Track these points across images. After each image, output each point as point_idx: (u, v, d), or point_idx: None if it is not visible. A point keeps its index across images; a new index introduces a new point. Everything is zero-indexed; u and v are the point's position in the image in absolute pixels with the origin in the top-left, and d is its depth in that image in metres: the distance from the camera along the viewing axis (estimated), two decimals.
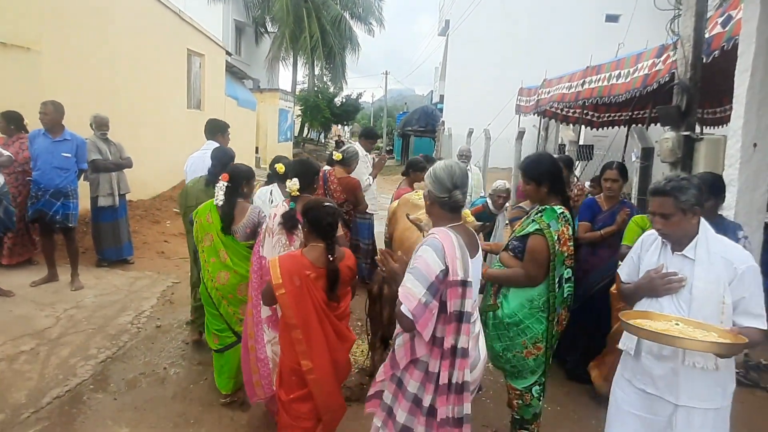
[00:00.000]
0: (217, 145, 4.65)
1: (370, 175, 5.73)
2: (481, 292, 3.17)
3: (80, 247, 5.94)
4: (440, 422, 2.07)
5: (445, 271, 1.98)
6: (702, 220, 2.16)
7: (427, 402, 2.08)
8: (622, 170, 4.08)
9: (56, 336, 4.30)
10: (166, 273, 6.19)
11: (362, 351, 4.36)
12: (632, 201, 5.31)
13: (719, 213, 3.12)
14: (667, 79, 5.24)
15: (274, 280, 2.42)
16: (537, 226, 2.57)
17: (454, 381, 2.05)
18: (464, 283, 2.01)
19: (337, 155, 5.02)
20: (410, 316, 1.95)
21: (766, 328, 2.03)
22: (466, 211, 3.27)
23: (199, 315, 4.07)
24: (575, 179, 4.44)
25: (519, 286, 2.66)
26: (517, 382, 2.77)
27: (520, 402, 2.77)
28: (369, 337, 3.96)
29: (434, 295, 1.99)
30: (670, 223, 2.15)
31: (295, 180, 3.01)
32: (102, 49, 7.77)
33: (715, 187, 2.86)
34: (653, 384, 2.17)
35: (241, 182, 3.31)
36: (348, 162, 4.97)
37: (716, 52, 4.60)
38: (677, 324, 2.04)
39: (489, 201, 5.33)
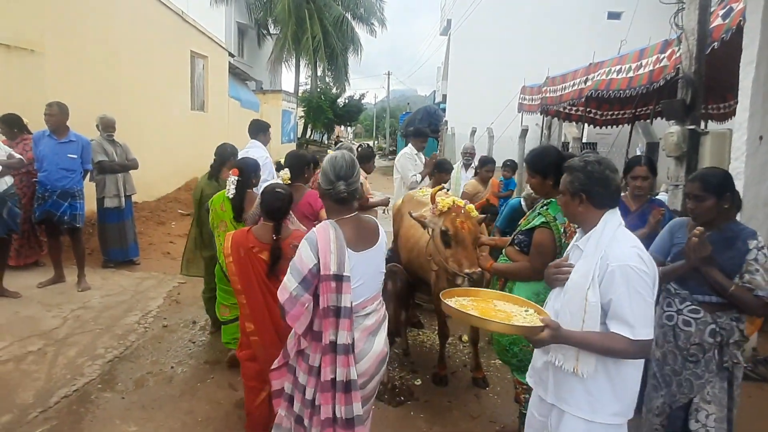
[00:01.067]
0: (260, 144, 5.45)
1: (419, 173, 5.56)
2: (486, 286, 3.18)
3: (86, 249, 5.96)
4: (324, 421, 2.03)
5: (318, 266, 1.99)
6: (611, 212, 1.89)
7: (309, 395, 2.08)
8: (652, 166, 3.59)
9: (63, 336, 4.32)
10: (172, 273, 6.21)
11: None
12: None
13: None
14: (674, 74, 5.21)
15: (225, 250, 2.84)
16: (543, 219, 2.56)
17: (339, 379, 2.01)
18: (338, 278, 2.00)
19: None
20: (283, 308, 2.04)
21: (633, 337, 1.73)
22: (470, 206, 3.26)
23: (210, 306, 4.30)
24: None
25: (525, 279, 2.65)
26: (524, 377, 2.75)
27: (528, 396, 2.76)
28: None
29: (306, 289, 2.01)
30: (560, 201, 2.03)
31: (286, 170, 3.45)
32: (105, 51, 7.80)
33: (720, 187, 2.39)
34: (537, 376, 2.05)
35: (249, 175, 3.63)
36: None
37: (716, 44, 4.59)
38: (507, 304, 2.00)
39: (523, 202, 4.73)
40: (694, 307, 2.45)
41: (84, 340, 4.27)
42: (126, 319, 4.78)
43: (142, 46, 8.87)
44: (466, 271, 3.02)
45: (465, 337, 4.51)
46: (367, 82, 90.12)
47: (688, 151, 4.60)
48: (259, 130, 5.59)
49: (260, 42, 27.29)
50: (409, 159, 5.79)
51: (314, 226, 2.99)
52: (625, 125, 9.29)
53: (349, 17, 27.06)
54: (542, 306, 2.03)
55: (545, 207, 2.62)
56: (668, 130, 4.77)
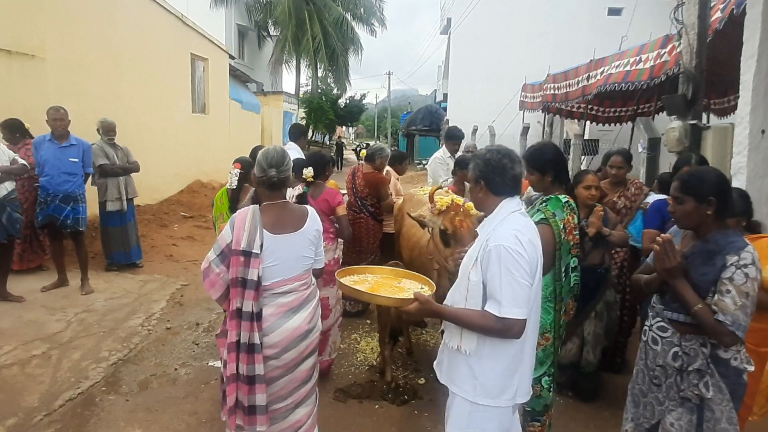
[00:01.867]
0: (296, 147, 5.85)
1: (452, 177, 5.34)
2: None
3: (89, 252, 5.98)
4: (229, 377, 2.29)
5: (232, 242, 2.26)
6: (508, 200, 1.96)
7: (223, 355, 2.35)
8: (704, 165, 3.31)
9: (67, 340, 4.33)
10: (175, 276, 6.22)
11: (372, 348, 4.36)
12: None
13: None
14: (676, 69, 5.20)
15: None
16: (542, 216, 2.55)
17: (242, 341, 2.24)
18: (246, 254, 2.24)
19: (362, 152, 5.14)
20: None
21: (499, 314, 1.78)
22: (469, 204, 3.25)
23: None
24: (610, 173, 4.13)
25: None
26: None
27: (531, 393, 2.75)
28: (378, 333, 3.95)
29: (222, 261, 2.31)
30: (469, 188, 2.15)
31: (310, 168, 3.67)
32: (106, 55, 7.83)
33: (700, 189, 2.08)
34: (437, 359, 2.12)
35: (249, 170, 3.68)
36: (372, 158, 4.92)
37: (710, 35, 4.58)
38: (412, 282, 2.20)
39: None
40: (662, 324, 2.20)
41: (88, 344, 4.29)
42: (129, 321, 4.80)
43: (142, 50, 8.89)
44: None
45: None
46: (367, 82, 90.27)
47: (690, 146, 4.60)
48: (299, 134, 6.28)
49: (260, 44, 27.34)
50: (441, 164, 5.63)
51: (331, 222, 3.50)
52: (628, 123, 9.28)
53: (349, 18, 27.10)
54: None
55: (544, 203, 2.61)
56: (670, 125, 4.76)
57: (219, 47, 12.90)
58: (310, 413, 2.53)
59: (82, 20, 7.31)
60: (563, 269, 2.56)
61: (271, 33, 27.35)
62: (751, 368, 2.09)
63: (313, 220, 2.47)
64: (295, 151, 5.35)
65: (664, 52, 5.61)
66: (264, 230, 2.28)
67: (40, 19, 6.59)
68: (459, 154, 5.75)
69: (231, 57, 14.61)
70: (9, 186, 4.85)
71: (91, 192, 5.77)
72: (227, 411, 2.34)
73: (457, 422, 1.96)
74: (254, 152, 4.78)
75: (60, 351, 4.12)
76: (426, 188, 4.60)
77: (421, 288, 2.15)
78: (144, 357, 4.16)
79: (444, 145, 5.89)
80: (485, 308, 1.83)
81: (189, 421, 3.29)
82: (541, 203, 2.66)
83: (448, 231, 3.07)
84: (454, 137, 5.88)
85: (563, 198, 2.61)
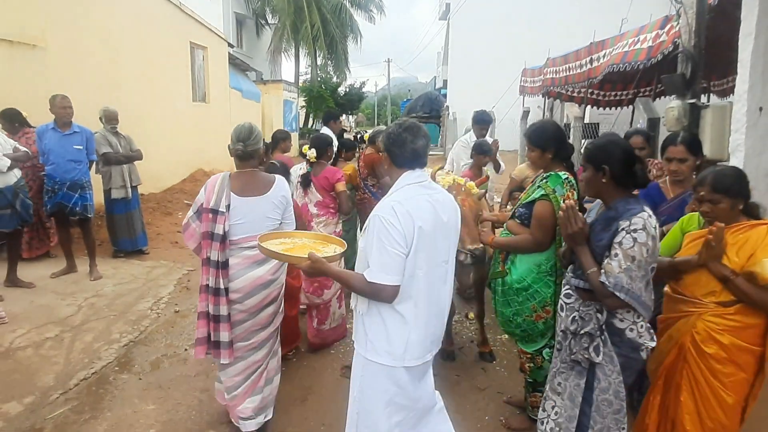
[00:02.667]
0: (329, 130, 6.20)
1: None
2: (489, 260, 3.25)
3: (96, 240, 6.05)
4: (199, 314, 2.74)
5: (203, 202, 2.67)
6: (409, 172, 2.07)
7: (203, 300, 2.74)
8: (692, 145, 3.05)
9: (79, 323, 4.43)
10: (181, 262, 6.31)
11: None
12: None
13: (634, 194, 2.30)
14: (671, 49, 5.23)
15: None
16: (543, 192, 2.62)
17: (210, 285, 2.66)
18: (214, 212, 2.62)
19: (365, 135, 5.52)
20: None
21: (368, 278, 1.92)
22: (471, 183, 3.31)
23: None
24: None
25: (527, 252, 2.71)
26: (527, 346, 2.84)
27: (532, 365, 2.84)
28: None
29: (198, 218, 2.72)
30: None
31: (313, 150, 4.06)
32: (106, 45, 7.85)
33: (594, 156, 2.17)
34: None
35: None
36: (373, 140, 5.12)
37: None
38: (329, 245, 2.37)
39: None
40: (568, 291, 2.30)
41: (99, 326, 4.38)
42: (138, 305, 4.89)
43: (142, 39, 8.90)
44: (469, 247, 3.09)
45: (471, 315, 4.59)
46: (367, 70, 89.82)
47: (689, 125, 4.63)
48: (329, 118, 6.82)
49: (259, 32, 27.20)
50: (464, 147, 5.55)
51: (333, 198, 3.99)
52: (628, 107, 9.28)
53: (348, 5, 26.94)
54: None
55: (545, 180, 2.68)
56: (669, 105, 4.79)
57: (218, 36, 12.88)
58: (267, 354, 2.90)
59: (82, 10, 7.32)
60: (563, 243, 2.62)
61: (269, 21, 27.19)
62: (652, 344, 2.12)
63: (279, 188, 2.79)
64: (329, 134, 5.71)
65: (663, 33, 5.62)
66: (232, 193, 2.66)
67: (41, 9, 6.61)
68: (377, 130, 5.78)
69: (230, 45, 14.58)
70: (17, 173, 4.92)
71: (95, 180, 5.83)
72: (195, 341, 2.78)
73: (354, 375, 2.17)
74: (275, 135, 5.54)
75: (72, 334, 4.22)
76: (428, 170, 4.65)
77: (335, 250, 2.28)
78: (154, 338, 4.25)
79: (473, 129, 5.73)
80: (364, 272, 1.97)
81: (201, 397, 3.39)
82: (541, 180, 2.72)
83: None
84: (482, 122, 5.68)
85: (563, 174, 2.67)
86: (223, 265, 2.61)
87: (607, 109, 10.04)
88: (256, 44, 26.96)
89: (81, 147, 5.43)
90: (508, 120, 13.35)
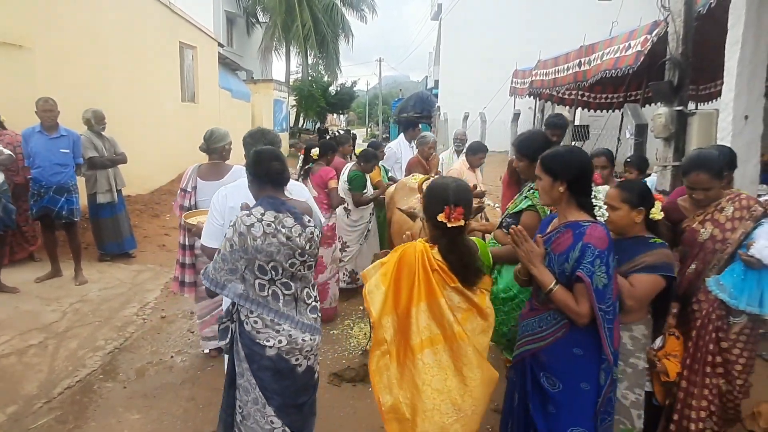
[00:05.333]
0: (402, 139, 6.80)
1: None
2: None
3: (81, 243, 5.98)
4: (177, 261, 3.82)
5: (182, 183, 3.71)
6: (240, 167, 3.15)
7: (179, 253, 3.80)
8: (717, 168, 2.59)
9: (63, 329, 4.37)
10: (168, 265, 6.24)
11: (365, 333, 4.44)
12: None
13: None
14: (654, 55, 5.27)
15: None
16: (530, 202, 2.62)
17: (183, 243, 3.74)
18: (184, 190, 3.68)
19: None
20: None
21: (202, 242, 2.65)
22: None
23: None
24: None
25: (514, 262, 2.70)
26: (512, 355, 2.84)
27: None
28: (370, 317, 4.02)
29: (179, 195, 3.75)
30: None
31: (317, 149, 4.82)
32: (93, 45, 7.75)
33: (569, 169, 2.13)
34: None
35: (327, 150, 5.01)
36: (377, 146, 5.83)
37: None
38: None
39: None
40: None
41: (84, 333, 4.33)
42: (124, 311, 4.84)
43: (130, 39, 8.81)
44: None
45: None
46: (358, 68, 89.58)
47: (676, 131, 4.66)
48: (407, 126, 7.31)
49: (249, 31, 27.03)
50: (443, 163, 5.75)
51: (325, 194, 4.68)
52: (617, 110, 9.33)
53: (339, 4, 26.85)
54: None
55: (532, 190, 2.68)
56: (656, 112, 4.83)
57: (208, 35, 12.79)
58: None
59: (69, 10, 7.22)
60: None
61: (260, 20, 27.02)
62: (268, 343, 2.13)
63: (234, 175, 3.49)
64: (394, 142, 6.73)
65: (650, 38, 5.66)
66: (198, 178, 3.67)
67: (27, 10, 6.51)
68: (423, 137, 5.94)
69: (220, 45, 14.48)
70: (0, 177, 4.84)
71: (81, 183, 5.76)
72: (173, 279, 3.97)
73: None
74: (339, 139, 6.75)
75: (56, 340, 4.17)
76: (417, 176, 4.65)
77: (198, 221, 2.97)
78: (140, 345, 4.21)
79: (453, 147, 6.11)
80: None
81: (186, 406, 3.36)
82: (528, 190, 2.73)
83: None
84: (478, 150, 5.47)
85: None
86: (188, 229, 3.36)
87: (598, 111, 10.10)
88: (246, 43, 26.80)
89: (67, 151, 5.35)
90: (498, 122, 13.38)
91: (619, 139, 8.73)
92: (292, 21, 24.36)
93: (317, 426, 3.01)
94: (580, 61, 7.88)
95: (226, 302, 2.67)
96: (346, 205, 5.13)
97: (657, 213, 2.34)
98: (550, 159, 2.14)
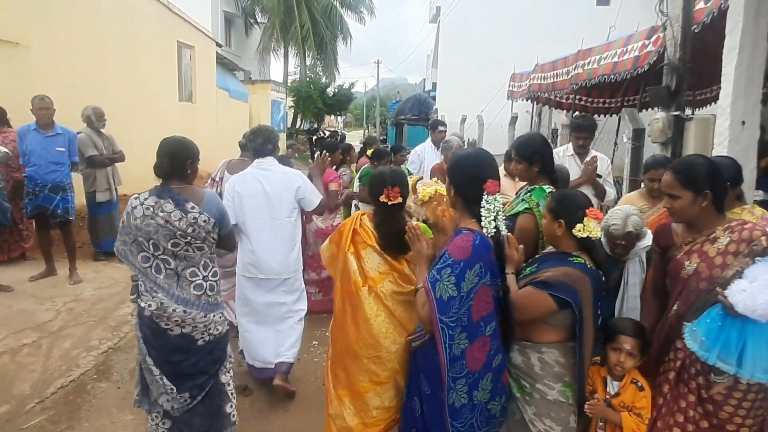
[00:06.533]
0: (429, 142, 6.64)
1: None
2: None
3: (76, 242, 5.95)
4: None
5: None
6: (258, 160, 3.50)
7: None
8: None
9: (57, 329, 4.35)
10: None
11: None
12: (624, 182, 5.36)
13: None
14: (656, 59, 5.28)
15: None
16: (526, 205, 2.62)
17: None
18: (213, 180, 4.20)
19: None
20: None
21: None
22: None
23: None
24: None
25: None
26: None
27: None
28: None
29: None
30: None
31: (325, 152, 4.79)
32: (91, 43, 7.73)
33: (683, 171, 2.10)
34: None
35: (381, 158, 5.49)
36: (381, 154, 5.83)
37: (696, 27, 4.65)
38: None
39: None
40: None
41: (78, 332, 4.30)
42: (119, 310, 4.81)
43: (128, 38, 8.78)
44: None
45: None
46: (356, 70, 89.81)
47: (673, 136, 4.68)
48: (433, 127, 7.09)
49: (248, 31, 27.00)
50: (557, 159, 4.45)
51: (327, 194, 4.52)
52: (614, 115, 9.36)
53: (338, 5, 26.84)
54: None
55: (528, 193, 2.68)
56: (653, 117, 4.84)
57: (206, 35, 12.77)
58: None
59: (67, 8, 7.20)
60: None
61: (258, 20, 26.99)
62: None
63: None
64: (420, 145, 6.84)
65: (649, 43, 5.68)
66: (226, 171, 4.09)
67: (24, 8, 6.49)
68: (447, 141, 5.80)
69: (218, 45, 14.46)
70: None
71: (77, 181, 5.73)
72: None
73: None
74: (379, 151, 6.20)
75: (50, 340, 4.14)
76: (414, 178, 4.64)
77: None
78: (134, 345, 4.09)
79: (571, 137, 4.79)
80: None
81: None
82: (525, 193, 2.72)
83: (429, 221, 3.10)
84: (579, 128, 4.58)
85: (547, 188, 2.67)
86: None
87: (596, 116, 10.13)
88: (244, 43, 26.77)
89: (63, 149, 5.33)
90: (496, 125, 13.39)
91: (616, 144, 8.75)
92: (290, 22, 24.34)
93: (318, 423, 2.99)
94: (577, 65, 7.91)
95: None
96: (356, 202, 5.47)
97: (588, 229, 2.07)
98: (450, 165, 2.27)
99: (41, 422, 3.13)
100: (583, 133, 4.41)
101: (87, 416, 3.21)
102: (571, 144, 4.47)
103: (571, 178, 3.96)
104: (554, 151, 4.22)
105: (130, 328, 4.47)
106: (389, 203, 2.42)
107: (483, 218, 2.05)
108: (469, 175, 2.11)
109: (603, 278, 2.15)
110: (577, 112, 10.00)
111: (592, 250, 2.14)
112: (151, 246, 2.43)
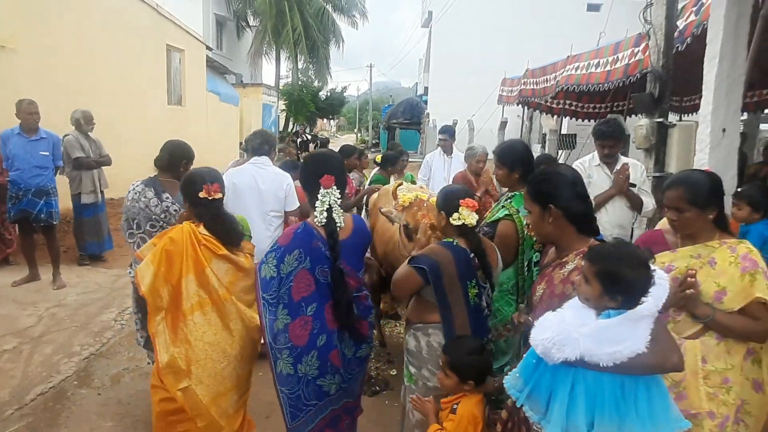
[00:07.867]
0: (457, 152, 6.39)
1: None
2: None
3: (60, 246, 5.90)
4: None
5: None
6: (255, 158, 3.85)
7: None
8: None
9: (39, 334, 4.30)
10: None
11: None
12: None
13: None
14: (649, 69, 5.32)
15: None
16: (506, 212, 2.63)
17: None
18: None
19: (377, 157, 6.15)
20: None
21: None
22: (434, 199, 3.19)
23: None
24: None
25: None
26: (496, 363, 2.83)
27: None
28: None
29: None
30: None
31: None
32: (79, 46, 7.69)
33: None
34: None
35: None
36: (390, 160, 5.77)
37: (688, 39, 4.69)
38: None
39: None
40: None
41: (60, 338, 4.26)
42: (102, 316, 4.77)
43: (117, 41, 8.76)
44: None
45: None
46: (349, 74, 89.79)
47: (657, 143, 4.73)
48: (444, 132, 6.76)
49: (239, 34, 26.95)
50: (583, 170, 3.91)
51: None
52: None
53: (330, 9, 26.87)
54: None
55: (509, 200, 2.69)
56: (638, 123, 4.89)
57: (196, 38, 12.74)
58: None
59: (55, 10, 7.17)
60: (526, 263, 2.64)
61: (250, 23, 26.96)
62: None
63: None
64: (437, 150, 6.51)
65: (638, 51, 5.73)
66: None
67: (11, 10, 6.45)
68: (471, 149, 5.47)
69: (208, 48, 14.44)
70: None
71: (61, 185, 5.69)
72: None
73: None
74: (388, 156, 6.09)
75: (31, 346, 4.10)
76: (392, 186, 4.64)
77: None
78: (116, 351, 4.15)
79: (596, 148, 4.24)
80: None
81: None
82: (506, 199, 2.74)
83: (410, 226, 3.10)
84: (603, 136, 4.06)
85: None
86: None
87: (585, 120, 10.20)
88: (236, 46, 26.72)
89: (47, 153, 5.30)
90: (486, 130, 13.46)
91: None
92: (282, 25, 24.34)
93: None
94: (566, 69, 7.97)
95: None
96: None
97: (463, 217, 2.20)
98: (302, 165, 2.50)
99: (19, 429, 3.09)
100: (607, 141, 3.85)
101: (66, 423, 3.18)
102: (596, 153, 3.98)
103: (602, 190, 3.71)
104: (578, 162, 4.15)
105: (112, 333, 4.44)
106: (210, 198, 2.45)
107: (316, 209, 2.24)
108: (309, 169, 2.35)
109: (472, 258, 2.26)
110: (566, 117, 10.07)
111: (468, 234, 2.29)
112: (134, 225, 2.93)
